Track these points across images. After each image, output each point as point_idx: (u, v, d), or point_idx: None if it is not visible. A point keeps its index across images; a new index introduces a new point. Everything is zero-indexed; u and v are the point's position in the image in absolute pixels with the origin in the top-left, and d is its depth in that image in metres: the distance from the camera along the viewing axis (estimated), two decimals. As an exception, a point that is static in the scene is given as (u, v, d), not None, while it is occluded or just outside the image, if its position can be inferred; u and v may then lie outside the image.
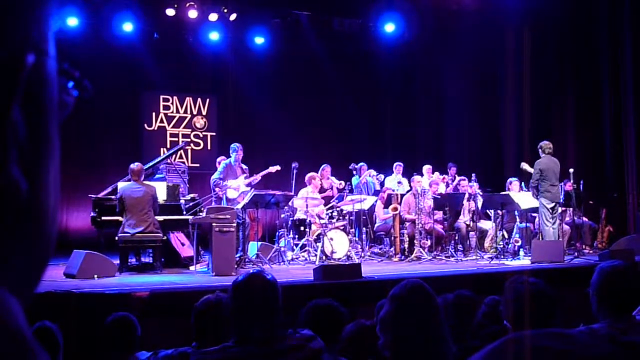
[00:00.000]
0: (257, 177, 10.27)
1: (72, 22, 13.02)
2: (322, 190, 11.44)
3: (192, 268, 8.87)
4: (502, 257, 9.97)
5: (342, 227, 10.35)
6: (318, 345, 2.61)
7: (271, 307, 2.55)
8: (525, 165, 10.73)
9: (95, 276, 7.71)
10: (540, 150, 10.31)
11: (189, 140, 14.65)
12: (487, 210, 11.38)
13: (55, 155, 0.58)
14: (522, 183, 11.38)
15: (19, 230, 0.55)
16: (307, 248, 10.10)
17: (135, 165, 8.84)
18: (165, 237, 8.97)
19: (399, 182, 11.94)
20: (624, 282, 3.03)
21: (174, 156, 11.81)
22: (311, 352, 2.56)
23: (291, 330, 2.60)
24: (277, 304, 2.58)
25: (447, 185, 12.45)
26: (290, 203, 10.31)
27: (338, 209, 10.81)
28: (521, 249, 10.40)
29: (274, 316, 2.55)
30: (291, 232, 10.42)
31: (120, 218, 8.67)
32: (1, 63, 0.53)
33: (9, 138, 0.53)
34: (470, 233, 11.04)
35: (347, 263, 9.07)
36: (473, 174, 11.85)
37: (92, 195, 9.49)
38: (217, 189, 10.05)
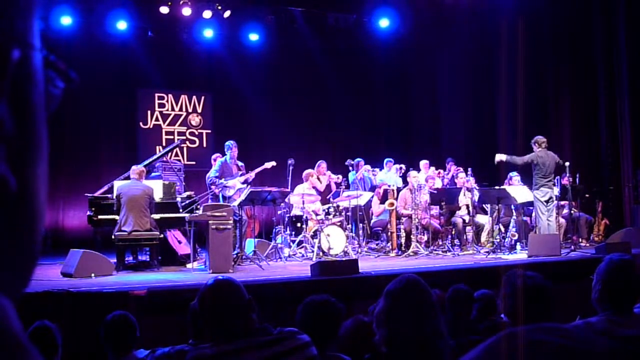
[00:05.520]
0: (252, 174, 10.25)
1: (66, 20, 13.01)
2: (326, 188, 11.48)
3: (189, 266, 8.87)
4: (499, 251, 9.97)
5: (338, 223, 10.36)
6: (305, 339, 2.64)
7: (243, 305, 2.60)
8: (498, 157, 10.59)
9: (93, 275, 7.71)
10: (535, 144, 10.29)
11: (184, 138, 14.65)
12: (484, 205, 11.39)
13: (43, 151, 0.58)
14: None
15: (8, 229, 0.54)
16: (304, 244, 10.11)
17: (137, 167, 9.12)
18: (162, 235, 8.97)
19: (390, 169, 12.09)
20: (632, 275, 3.03)
21: (169, 154, 11.80)
22: (298, 344, 2.59)
23: (280, 329, 2.64)
24: (244, 302, 2.62)
25: (443, 180, 12.47)
26: (286, 200, 10.31)
27: (334, 205, 10.81)
28: (518, 243, 10.41)
29: (249, 313, 2.60)
30: (288, 229, 10.42)
31: (117, 217, 8.66)
32: None
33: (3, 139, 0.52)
34: (467, 228, 11.06)
35: (344, 259, 9.07)
36: (469, 168, 11.86)
37: (89, 194, 9.48)
38: (213, 187, 10.04)
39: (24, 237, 0.56)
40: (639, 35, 12.77)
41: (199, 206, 9.29)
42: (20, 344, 0.52)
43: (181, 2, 13.57)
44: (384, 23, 15.32)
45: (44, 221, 0.58)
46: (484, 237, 11.22)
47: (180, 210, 9.43)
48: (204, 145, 14.98)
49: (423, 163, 12.56)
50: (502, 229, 10.84)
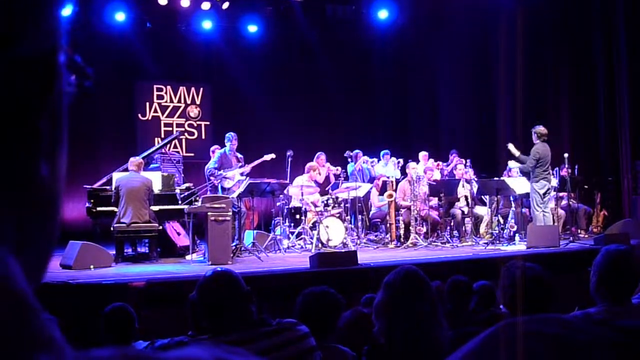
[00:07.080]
0: (247, 168, 10.24)
1: (64, 11, 12.95)
2: (325, 179, 11.46)
3: (188, 257, 8.87)
4: (497, 242, 9.98)
5: (337, 215, 10.35)
6: (303, 330, 2.64)
7: (241, 297, 2.60)
8: (511, 147, 10.49)
9: (92, 267, 7.71)
10: (535, 135, 10.16)
11: (183, 129, 14.63)
12: (483, 196, 11.40)
13: (65, 145, 0.58)
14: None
15: (35, 212, 0.54)
16: (303, 236, 10.11)
17: (135, 159, 9.06)
18: (161, 227, 8.96)
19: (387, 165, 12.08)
20: (628, 266, 3.03)
21: (168, 146, 11.79)
22: (297, 335, 2.59)
23: (279, 320, 2.64)
24: (243, 293, 2.62)
25: (443, 172, 12.46)
26: (285, 191, 10.31)
27: (333, 196, 10.81)
28: (516, 234, 10.42)
29: (247, 304, 2.60)
30: (287, 220, 10.42)
31: (115, 209, 8.66)
32: (36, 64, 0.52)
33: (43, 134, 0.52)
34: (466, 219, 11.06)
35: (343, 250, 9.08)
36: (468, 160, 11.84)
37: (87, 186, 9.47)
38: (212, 178, 10.04)
39: (48, 228, 0.57)
40: (638, 25, 12.74)
41: (197, 198, 9.28)
42: (26, 303, 0.52)
43: (179, -6, 13.53)
44: (382, 14, 15.28)
45: (62, 207, 0.59)
46: (482, 228, 11.22)
47: (179, 202, 9.42)
48: (203, 136, 14.97)
49: (422, 155, 12.55)
50: (501, 220, 10.85)
